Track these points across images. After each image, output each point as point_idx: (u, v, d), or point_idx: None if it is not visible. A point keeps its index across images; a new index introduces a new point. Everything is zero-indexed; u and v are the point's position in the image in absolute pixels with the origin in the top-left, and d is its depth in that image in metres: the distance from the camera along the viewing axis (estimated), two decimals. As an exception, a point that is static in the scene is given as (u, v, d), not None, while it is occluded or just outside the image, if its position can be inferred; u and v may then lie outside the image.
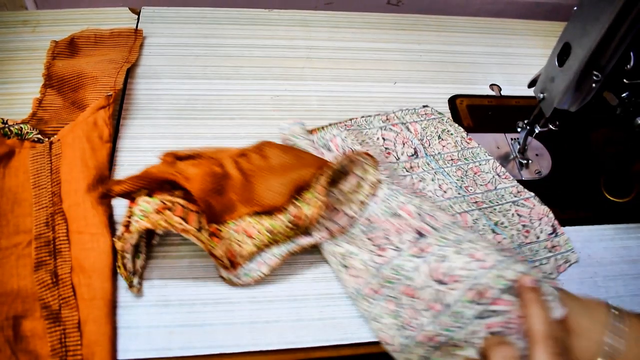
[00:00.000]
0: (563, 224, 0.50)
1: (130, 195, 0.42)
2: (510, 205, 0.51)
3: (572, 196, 0.50)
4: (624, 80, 0.44)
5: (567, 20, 0.45)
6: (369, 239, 0.43)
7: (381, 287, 0.40)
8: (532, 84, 0.52)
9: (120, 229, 0.41)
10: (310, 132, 0.53)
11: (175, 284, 0.42)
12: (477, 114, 0.60)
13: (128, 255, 0.40)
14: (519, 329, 0.34)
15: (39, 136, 0.49)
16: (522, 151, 0.56)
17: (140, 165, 0.50)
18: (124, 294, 0.41)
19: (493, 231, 0.49)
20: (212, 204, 0.43)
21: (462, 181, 0.52)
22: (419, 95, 0.61)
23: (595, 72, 0.43)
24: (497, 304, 0.34)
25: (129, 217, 0.40)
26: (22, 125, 0.48)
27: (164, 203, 0.40)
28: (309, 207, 0.42)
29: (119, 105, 0.54)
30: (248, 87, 0.59)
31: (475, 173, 0.54)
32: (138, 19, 0.64)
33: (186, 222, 0.39)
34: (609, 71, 0.43)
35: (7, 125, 0.48)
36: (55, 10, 0.63)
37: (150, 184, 0.42)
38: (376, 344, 0.41)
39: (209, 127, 0.54)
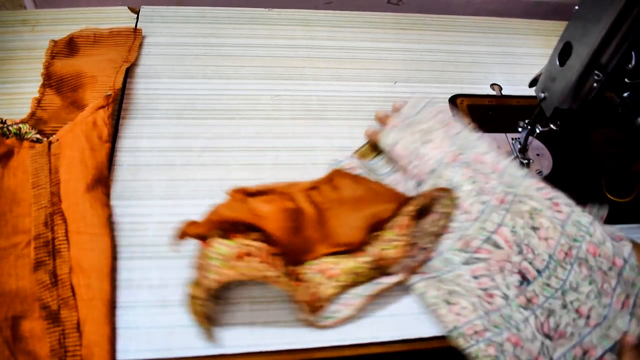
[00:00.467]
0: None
1: (202, 236, 0.40)
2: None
3: (573, 196, 0.50)
4: (625, 79, 0.44)
5: (568, 20, 0.45)
6: (474, 277, 0.42)
7: (485, 331, 0.40)
8: (533, 84, 0.52)
9: (196, 273, 0.39)
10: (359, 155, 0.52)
11: (175, 284, 0.42)
12: (478, 113, 0.60)
13: (208, 303, 0.39)
14: None
15: (38, 136, 0.48)
16: (523, 151, 0.56)
17: (140, 165, 0.50)
18: (124, 294, 0.41)
19: None
20: (291, 244, 0.41)
21: (596, 284, 0.40)
22: (420, 95, 0.61)
23: (596, 72, 0.43)
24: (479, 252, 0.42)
25: (203, 259, 0.39)
26: (21, 125, 0.48)
27: (243, 246, 0.39)
28: (392, 248, 0.42)
29: (118, 105, 0.54)
30: (248, 87, 0.59)
31: (592, 253, 0.41)
32: (137, 18, 0.64)
33: (270, 267, 0.38)
34: (610, 71, 0.43)
35: (6, 125, 0.48)
36: (54, 9, 0.63)
37: (224, 224, 0.40)
38: (376, 344, 0.41)
39: (208, 127, 0.54)
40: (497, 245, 0.43)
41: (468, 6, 0.80)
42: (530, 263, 0.42)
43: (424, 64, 0.65)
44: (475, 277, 0.42)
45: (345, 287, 0.42)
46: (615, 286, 0.40)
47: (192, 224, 0.40)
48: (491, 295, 0.42)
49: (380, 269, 0.43)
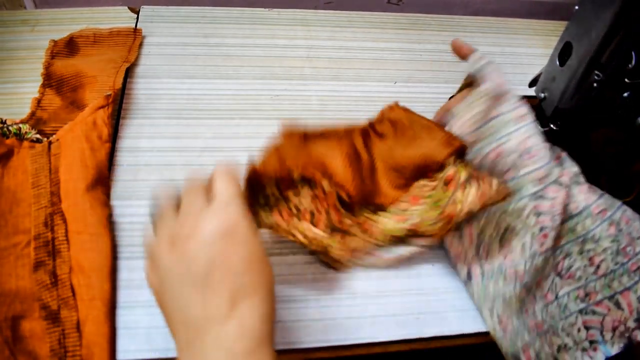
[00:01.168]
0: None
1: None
2: None
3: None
4: (625, 79, 0.44)
5: (568, 20, 0.45)
6: (586, 328, 0.41)
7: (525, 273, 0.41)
8: (532, 84, 0.52)
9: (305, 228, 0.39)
10: None
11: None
12: (478, 113, 0.60)
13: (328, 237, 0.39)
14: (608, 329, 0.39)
15: (38, 136, 0.48)
16: (523, 151, 0.56)
17: (140, 165, 0.50)
18: (124, 294, 0.41)
19: None
20: (358, 195, 0.41)
21: (618, 244, 0.42)
22: (420, 95, 0.61)
23: (596, 72, 0.43)
24: (599, 307, 0.40)
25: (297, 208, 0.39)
26: (20, 125, 0.48)
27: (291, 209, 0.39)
28: (432, 225, 0.41)
29: (118, 105, 0.54)
30: (248, 87, 0.59)
31: (625, 221, 0.43)
32: (137, 18, 0.64)
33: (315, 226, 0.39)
34: (610, 71, 0.43)
35: (5, 125, 0.48)
36: (54, 9, 0.63)
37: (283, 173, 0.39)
38: (376, 344, 0.41)
39: (208, 127, 0.54)
40: (618, 305, 0.40)
41: (468, 6, 0.80)
42: None
43: (424, 64, 0.65)
44: (587, 329, 0.40)
45: (379, 245, 0.44)
46: (638, 252, 0.41)
47: (252, 170, 0.38)
48: (545, 236, 0.43)
49: (415, 235, 0.43)
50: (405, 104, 0.60)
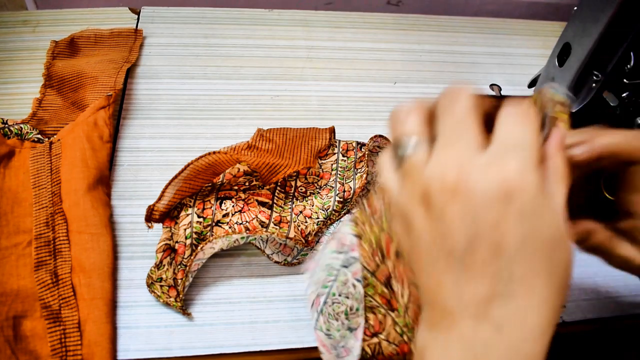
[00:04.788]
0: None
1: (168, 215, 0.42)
2: None
3: (572, 196, 0.50)
4: (624, 80, 0.44)
5: (567, 20, 0.45)
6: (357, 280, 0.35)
7: None
8: (532, 84, 0.52)
9: (160, 256, 0.40)
10: None
11: (175, 284, 0.42)
12: (477, 114, 0.60)
13: (191, 277, 0.41)
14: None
15: (39, 136, 0.49)
16: (522, 151, 0.56)
17: (141, 165, 0.50)
18: (124, 294, 0.41)
19: None
20: (266, 165, 0.44)
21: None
22: (419, 96, 0.61)
23: (595, 72, 0.43)
24: (354, 251, 0.31)
25: (169, 238, 0.41)
26: (22, 126, 0.48)
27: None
28: (353, 181, 0.47)
29: (119, 105, 0.54)
30: (248, 87, 0.59)
31: None
32: (138, 18, 0.64)
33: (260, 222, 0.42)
34: (609, 71, 0.43)
35: (7, 126, 0.48)
36: (56, 10, 0.63)
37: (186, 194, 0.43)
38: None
39: (209, 127, 0.54)
40: None
41: (467, 7, 0.80)
42: None
43: (424, 65, 0.65)
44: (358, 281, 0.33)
45: (322, 224, 0.46)
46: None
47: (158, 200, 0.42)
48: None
49: (345, 202, 0.47)
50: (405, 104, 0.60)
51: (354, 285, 0.31)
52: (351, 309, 0.31)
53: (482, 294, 0.20)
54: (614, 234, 0.29)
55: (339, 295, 0.32)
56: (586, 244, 0.27)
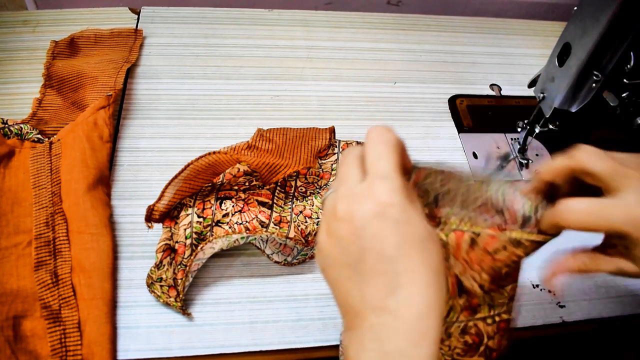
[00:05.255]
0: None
1: (168, 215, 0.42)
2: None
3: (572, 196, 0.50)
4: (624, 80, 0.44)
5: (567, 20, 0.45)
6: None
7: None
8: (532, 84, 0.52)
9: (160, 256, 0.40)
10: None
11: (175, 284, 0.42)
12: (477, 114, 0.60)
13: (191, 277, 0.41)
14: None
15: (39, 136, 0.49)
16: (522, 151, 0.56)
17: (141, 165, 0.50)
18: (124, 294, 0.41)
19: None
20: (265, 164, 0.44)
21: None
22: (419, 96, 0.61)
23: (595, 72, 0.43)
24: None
25: (170, 238, 0.41)
26: (22, 125, 0.48)
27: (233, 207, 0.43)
28: None
29: (119, 105, 0.54)
30: (248, 87, 0.59)
31: None
32: (138, 19, 0.64)
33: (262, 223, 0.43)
34: (609, 71, 0.43)
35: (7, 125, 0.48)
36: (56, 10, 0.63)
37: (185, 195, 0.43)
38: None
39: (209, 127, 0.54)
40: None
41: (467, 7, 0.80)
42: None
43: (424, 65, 0.65)
44: None
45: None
46: None
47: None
48: None
49: None
50: (405, 104, 0.60)
51: None
52: None
53: (377, 292, 0.25)
54: (595, 254, 0.33)
55: None
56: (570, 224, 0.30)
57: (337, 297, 0.27)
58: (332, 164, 0.50)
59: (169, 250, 0.40)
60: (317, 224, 0.45)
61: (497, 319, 0.34)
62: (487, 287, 0.32)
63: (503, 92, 0.64)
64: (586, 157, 0.30)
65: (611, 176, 0.30)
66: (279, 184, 0.47)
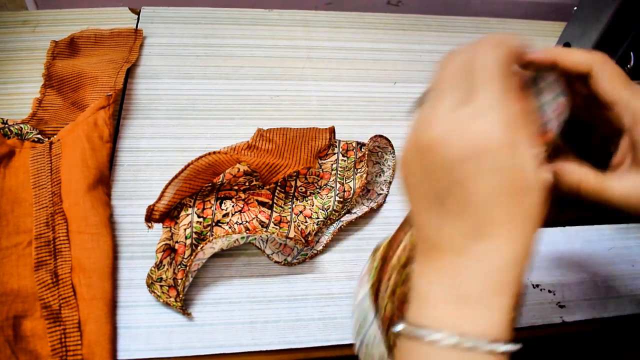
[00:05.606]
0: (563, 224, 0.50)
1: (168, 215, 0.42)
2: None
3: (572, 196, 0.50)
4: (624, 80, 0.44)
5: (567, 20, 0.45)
6: None
7: None
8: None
9: (160, 256, 0.40)
10: None
11: (175, 284, 0.42)
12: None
13: (191, 277, 0.41)
14: None
15: (39, 136, 0.49)
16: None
17: (141, 165, 0.50)
18: (124, 294, 0.41)
19: None
20: (265, 164, 0.44)
21: None
22: (419, 96, 0.61)
23: (595, 72, 0.43)
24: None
25: (170, 238, 0.41)
26: (22, 126, 0.48)
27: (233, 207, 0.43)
28: (353, 181, 0.47)
29: (119, 105, 0.54)
30: (248, 87, 0.59)
31: None
32: (138, 19, 0.64)
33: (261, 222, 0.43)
34: (609, 71, 0.43)
35: (7, 126, 0.48)
36: (56, 10, 0.63)
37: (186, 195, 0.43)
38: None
39: (209, 127, 0.54)
40: None
41: (467, 7, 0.80)
42: None
43: (424, 65, 0.65)
44: None
45: (322, 223, 0.46)
46: None
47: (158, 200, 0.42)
48: None
49: (344, 202, 0.47)
50: (404, 104, 0.60)
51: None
52: (381, 357, 0.33)
53: (462, 234, 0.23)
54: (600, 173, 0.29)
55: (371, 345, 0.34)
56: (565, 185, 0.29)
57: (417, 224, 0.25)
58: (332, 164, 0.50)
59: (169, 250, 0.40)
60: (316, 224, 0.45)
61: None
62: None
63: (503, 92, 0.63)
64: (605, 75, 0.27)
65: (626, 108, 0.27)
66: (279, 184, 0.47)
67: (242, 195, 0.44)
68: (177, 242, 0.41)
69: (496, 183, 0.22)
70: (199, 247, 0.39)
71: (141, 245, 0.44)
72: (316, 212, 0.46)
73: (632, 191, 0.27)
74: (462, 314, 0.23)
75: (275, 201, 0.46)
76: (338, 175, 0.49)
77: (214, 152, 0.42)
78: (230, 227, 0.41)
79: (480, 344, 0.22)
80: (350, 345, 0.41)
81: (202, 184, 0.43)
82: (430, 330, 0.23)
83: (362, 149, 0.50)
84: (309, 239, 0.45)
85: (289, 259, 0.45)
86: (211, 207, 0.42)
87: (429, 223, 0.24)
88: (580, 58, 0.27)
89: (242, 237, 0.41)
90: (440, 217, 0.23)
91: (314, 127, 0.52)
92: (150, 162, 0.50)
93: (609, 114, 0.28)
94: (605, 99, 0.27)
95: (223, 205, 0.43)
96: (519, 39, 0.25)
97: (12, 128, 0.48)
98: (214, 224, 0.42)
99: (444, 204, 0.23)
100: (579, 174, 0.29)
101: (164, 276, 0.40)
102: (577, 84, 0.28)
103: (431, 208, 0.24)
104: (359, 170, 0.48)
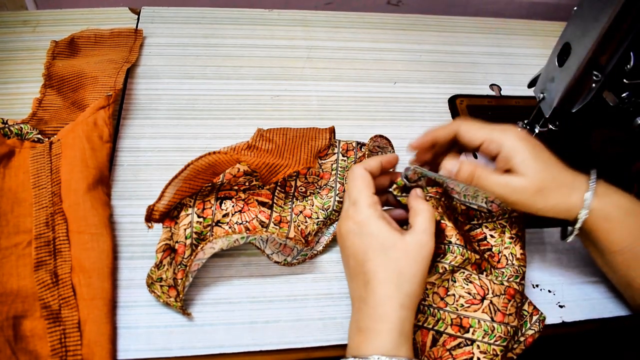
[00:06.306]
0: (563, 224, 0.50)
1: (168, 215, 0.42)
2: None
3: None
4: (624, 80, 0.44)
5: (567, 20, 0.45)
6: None
7: None
8: (532, 84, 0.52)
9: (160, 256, 0.40)
10: None
11: (175, 284, 0.42)
12: (477, 114, 0.60)
13: (191, 277, 0.41)
14: None
15: (39, 136, 0.49)
16: (522, 151, 0.56)
17: (141, 165, 0.50)
18: (124, 294, 0.41)
19: None
20: (265, 164, 0.44)
21: None
22: (419, 96, 0.61)
23: (595, 72, 0.43)
24: None
25: (169, 238, 0.41)
26: (22, 125, 0.48)
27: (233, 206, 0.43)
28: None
29: (119, 105, 0.54)
30: (248, 87, 0.59)
31: None
32: (138, 19, 0.64)
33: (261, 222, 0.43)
34: (609, 71, 0.43)
35: (7, 125, 0.48)
36: (56, 10, 0.63)
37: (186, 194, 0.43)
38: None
39: (209, 127, 0.54)
40: None
41: (467, 7, 0.80)
42: None
43: (424, 65, 0.65)
44: None
45: (322, 224, 0.46)
46: None
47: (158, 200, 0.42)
48: None
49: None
50: (404, 104, 0.60)
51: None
52: None
53: (358, 286, 0.36)
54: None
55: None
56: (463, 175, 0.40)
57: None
58: (332, 164, 0.50)
59: (169, 250, 0.40)
60: (317, 224, 0.45)
61: (505, 283, 0.41)
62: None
63: (503, 92, 0.64)
64: (464, 126, 0.41)
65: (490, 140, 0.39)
66: (279, 184, 0.47)
67: (242, 195, 0.44)
68: (177, 242, 0.41)
69: (365, 246, 0.36)
70: (199, 247, 0.39)
71: (141, 245, 0.44)
72: (316, 212, 0.46)
73: (507, 185, 0.38)
74: (361, 340, 0.34)
75: (275, 201, 0.46)
76: (338, 175, 0.49)
77: (214, 152, 0.42)
78: (230, 227, 0.41)
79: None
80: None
81: (202, 184, 0.43)
82: (346, 358, 0.34)
83: (362, 149, 0.50)
84: (309, 239, 0.45)
85: (289, 259, 0.45)
86: (211, 207, 0.42)
87: (350, 284, 0.38)
88: (445, 131, 0.41)
89: (242, 237, 0.41)
90: (349, 278, 0.38)
91: (314, 127, 0.52)
92: (150, 162, 0.50)
93: (482, 149, 0.40)
94: (475, 143, 0.40)
95: (223, 205, 0.43)
96: (364, 169, 0.40)
97: (12, 128, 0.48)
98: (214, 224, 0.42)
99: (348, 269, 0.38)
100: (473, 168, 0.39)
101: (164, 276, 0.40)
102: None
103: (347, 274, 0.39)
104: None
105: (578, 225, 0.38)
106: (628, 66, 0.42)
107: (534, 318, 0.42)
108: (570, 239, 0.41)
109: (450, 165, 0.40)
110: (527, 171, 0.37)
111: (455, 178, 0.40)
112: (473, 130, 0.40)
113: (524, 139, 0.38)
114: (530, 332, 0.42)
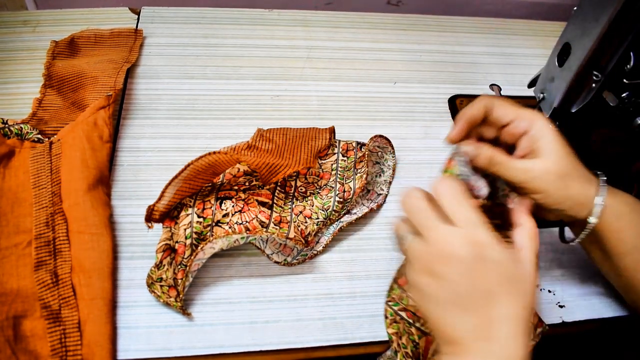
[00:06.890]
0: (563, 224, 0.50)
1: (168, 215, 0.42)
2: None
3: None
4: (624, 80, 0.44)
5: (567, 20, 0.45)
6: None
7: None
8: (532, 84, 0.52)
9: (160, 256, 0.40)
10: None
11: (175, 284, 0.42)
12: (477, 114, 0.60)
13: (191, 277, 0.41)
14: None
15: (39, 136, 0.49)
16: (522, 151, 0.56)
17: (141, 165, 0.50)
18: (124, 294, 0.41)
19: None
20: (265, 164, 0.44)
21: None
22: (419, 96, 0.61)
23: (595, 72, 0.43)
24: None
25: (169, 238, 0.41)
26: (22, 125, 0.48)
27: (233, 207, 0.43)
28: (353, 181, 0.47)
29: (119, 105, 0.54)
30: (248, 87, 0.59)
31: None
32: (138, 19, 0.64)
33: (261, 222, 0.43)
34: (608, 71, 0.43)
35: (7, 125, 0.48)
36: (56, 10, 0.63)
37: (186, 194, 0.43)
38: (376, 344, 0.41)
39: (209, 127, 0.54)
40: None
41: (467, 7, 0.80)
42: None
43: (424, 65, 0.65)
44: None
45: (322, 224, 0.46)
46: None
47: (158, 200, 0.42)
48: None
49: (344, 202, 0.47)
50: (404, 104, 0.60)
51: None
52: None
53: (483, 323, 0.30)
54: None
55: None
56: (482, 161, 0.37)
57: (439, 331, 0.31)
58: (332, 164, 0.50)
59: (169, 250, 0.40)
60: (316, 225, 0.45)
61: None
62: None
63: (503, 92, 0.63)
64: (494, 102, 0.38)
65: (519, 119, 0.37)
66: (279, 184, 0.47)
67: (242, 195, 0.44)
68: (177, 242, 0.41)
69: (499, 276, 0.30)
70: (199, 247, 0.39)
71: (141, 245, 0.44)
72: (316, 213, 0.46)
73: (529, 170, 0.36)
74: None
75: (275, 201, 0.46)
76: (338, 176, 0.49)
77: (214, 152, 0.42)
78: (230, 227, 0.41)
79: None
80: (350, 346, 0.41)
81: (202, 184, 0.43)
82: None
83: (362, 149, 0.50)
84: (309, 239, 0.45)
85: (289, 259, 0.45)
86: (211, 207, 0.42)
87: (459, 325, 0.30)
88: (477, 109, 0.38)
89: (242, 237, 0.41)
90: (470, 315, 0.30)
91: (314, 127, 0.52)
92: (150, 162, 0.50)
93: (510, 128, 0.38)
94: (505, 119, 0.38)
95: (223, 205, 0.43)
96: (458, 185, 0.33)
97: (12, 128, 0.48)
98: (214, 224, 0.42)
99: (469, 303, 0.30)
100: (492, 153, 0.37)
101: (164, 276, 0.40)
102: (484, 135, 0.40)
103: (457, 312, 0.30)
104: (359, 170, 0.48)
105: (593, 218, 0.36)
106: (628, 66, 0.42)
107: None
108: (578, 240, 0.39)
109: (468, 149, 0.38)
110: (553, 154, 0.36)
111: (474, 163, 0.38)
112: (506, 105, 0.38)
113: (552, 126, 0.37)
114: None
